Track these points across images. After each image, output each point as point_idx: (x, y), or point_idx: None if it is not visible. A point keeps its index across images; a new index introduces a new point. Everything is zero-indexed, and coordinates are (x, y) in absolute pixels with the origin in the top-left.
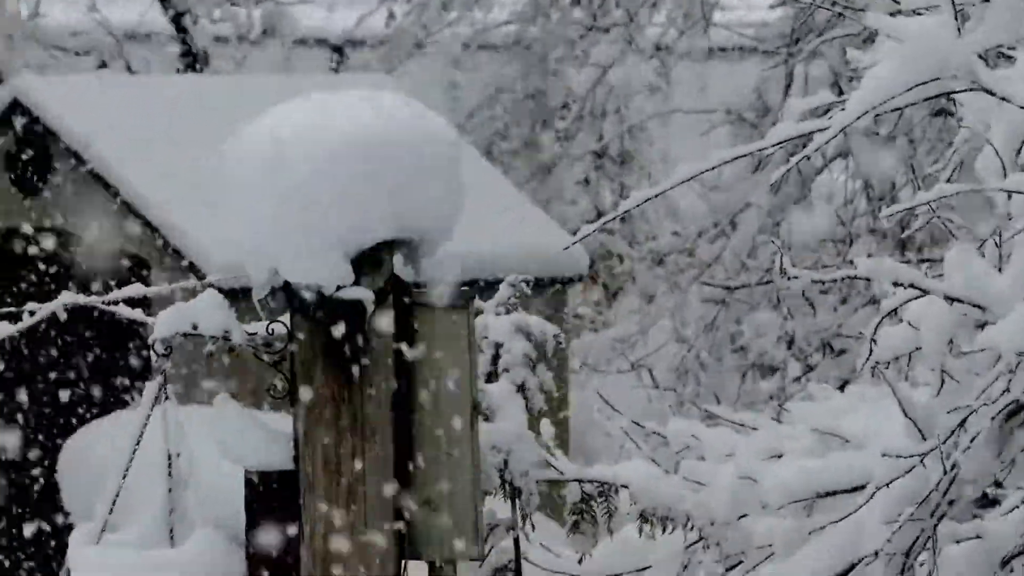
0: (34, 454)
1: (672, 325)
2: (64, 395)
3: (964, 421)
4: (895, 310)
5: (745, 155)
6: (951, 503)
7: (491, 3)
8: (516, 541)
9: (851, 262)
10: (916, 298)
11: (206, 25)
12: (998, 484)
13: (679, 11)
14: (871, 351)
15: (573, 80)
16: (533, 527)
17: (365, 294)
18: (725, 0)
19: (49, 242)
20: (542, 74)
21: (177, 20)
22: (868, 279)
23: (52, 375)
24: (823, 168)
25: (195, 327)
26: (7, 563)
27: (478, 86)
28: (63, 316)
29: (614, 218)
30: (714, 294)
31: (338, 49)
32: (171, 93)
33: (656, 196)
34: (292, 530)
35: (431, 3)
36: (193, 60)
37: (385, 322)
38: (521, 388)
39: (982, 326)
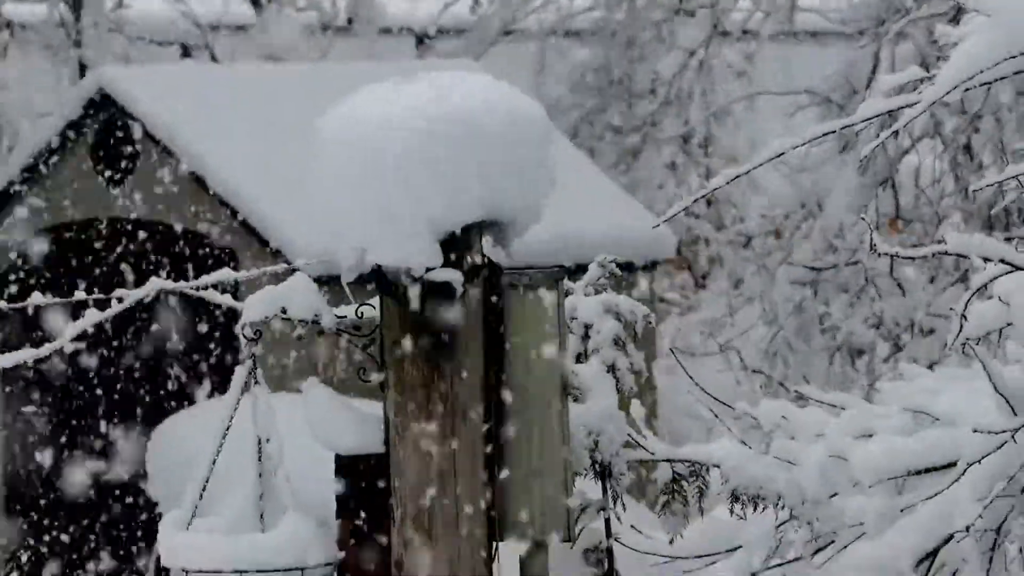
0: (123, 443)
1: (760, 307)
2: (153, 383)
3: None
4: (985, 286)
5: (833, 132)
6: None
7: None
8: (607, 522)
9: (941, 239)
10: (1006, 274)
11: (291, 14)
12: None
13: None
14: (961, 328)
15: (659, 64)
16: (624, 508)
17: (455, 276)
18: None
19: (134, 232)
20: (628, 59)
21: (262, 9)
22: (958, 255)
23: (141, 363)
24: (910, 148)
25: (284, 311)
26: (99, 551)
27: (564, 72)
28: (152, 303)
29: (702, 196)
30: (802, 275)
31: (423, 38)
32: (256, 81)
33: (744, 174)
34: (382, 514)
35: None
36: (277, 50)
37: (475, 303)
38: (611, 369)
39: None
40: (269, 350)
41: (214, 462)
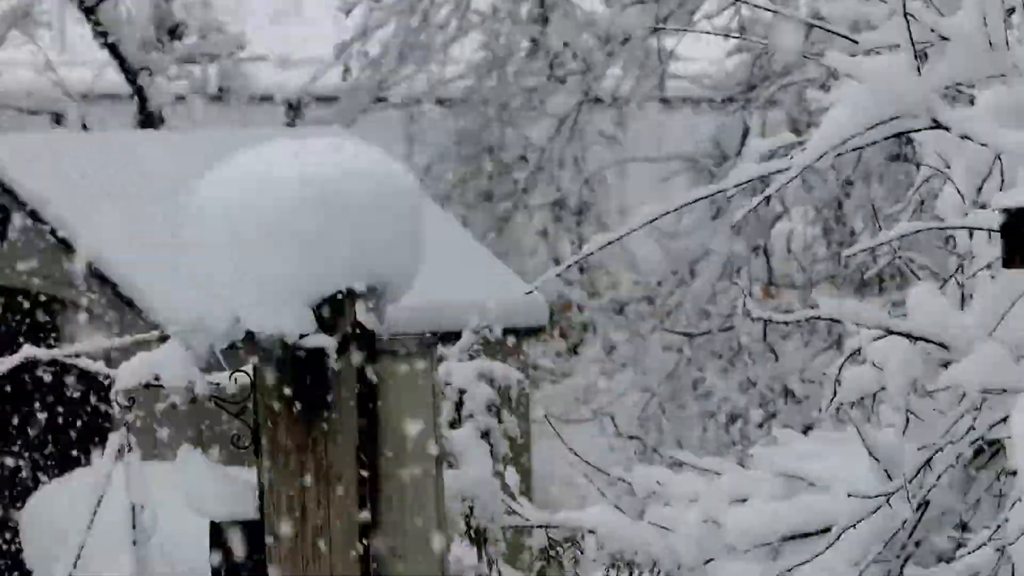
0: None
1: (634, 374)
2: (26, 453)
3: (930, 460)
4: (858, 351)
5: (706, 197)
6: (917, 544)
7: (447, 57)
8: None
9: (814, 304)
10: (879, 339)
11: (163, 83)
12: (963, 527)
13: (635, 61)
14: (835, 393)
15: (530, 131)
16: (500, 574)
17: (327, 342)
18: (681, 50)
19: (5, 300)
20: (499, 126)
21: (133, 79)
22: (831, 320)
23: (13, 433)
24: (782, 214)
25: (157, 378)
26: None
27: (436, 139)
28: (23, 371)
29: (575, 263)
30: (675, 342)
31: (294, 106)
32: (128, 150)
33: (616, 240)
34: None
35: (387, 57)
36: (149, 118)
37: (347, 370)
38: (485, 434)
39: (946, 365)
40: (142, 418)
41: (88, 532)
